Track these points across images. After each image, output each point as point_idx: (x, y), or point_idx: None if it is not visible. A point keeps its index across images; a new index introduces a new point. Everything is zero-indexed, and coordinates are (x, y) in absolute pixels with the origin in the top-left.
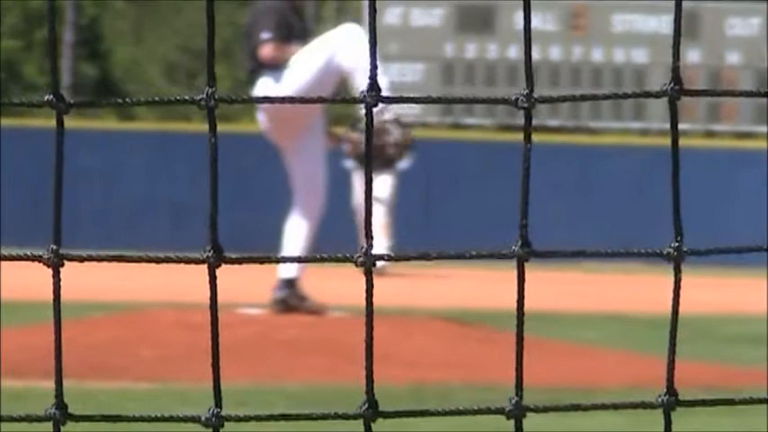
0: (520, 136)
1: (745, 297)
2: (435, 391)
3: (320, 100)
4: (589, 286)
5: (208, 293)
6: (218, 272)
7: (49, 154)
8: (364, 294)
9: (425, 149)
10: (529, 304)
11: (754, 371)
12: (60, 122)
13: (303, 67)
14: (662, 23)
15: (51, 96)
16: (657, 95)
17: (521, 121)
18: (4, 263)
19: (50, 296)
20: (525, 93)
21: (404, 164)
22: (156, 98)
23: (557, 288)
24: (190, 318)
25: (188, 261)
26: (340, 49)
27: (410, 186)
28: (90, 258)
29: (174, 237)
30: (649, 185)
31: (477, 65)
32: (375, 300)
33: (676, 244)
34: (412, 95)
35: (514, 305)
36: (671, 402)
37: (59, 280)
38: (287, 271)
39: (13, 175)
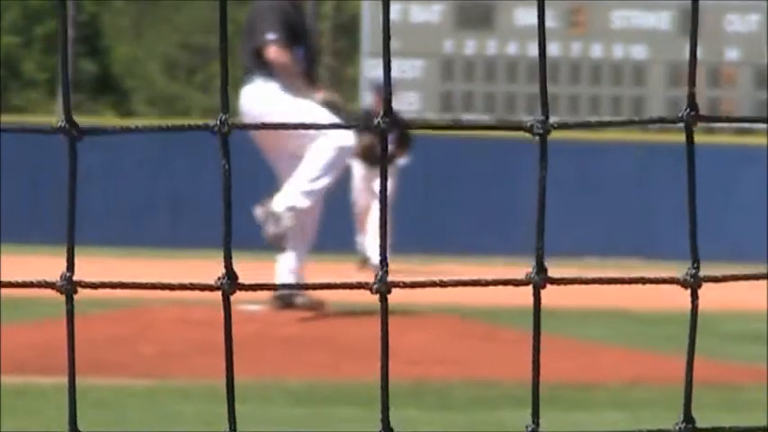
0: (519, 133)
1: (745, 294)
2: (436, 387)
3: (334, 126)
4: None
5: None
6: (218, 270)
7: (48, 152)
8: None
9: (424, 146)
10: (527, 300)
11: (755, 368)
12: (73, 150)
13: (291, 117)
14: (661, 20)
15: (64, 122)
16: (674, 121)
17: (520, 117)
18: (4, 261)
19: (50, 294)
20: (540, 119)
21: (403, 161)
22: (169, 124)
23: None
24: (189, 314)
25: (203, 288)
26: (320, 141)
27: (409, 183)
28: (104, 285)
29: (173, 233)
30: (648, 181)
31: (477, 61)
32: (373, 296)
33: (693, 270)
34: (412, 93)
35: (514, 302)
36: (688, 429)
37: (73, 307)
38: (286, 277)
39: (11, 172)
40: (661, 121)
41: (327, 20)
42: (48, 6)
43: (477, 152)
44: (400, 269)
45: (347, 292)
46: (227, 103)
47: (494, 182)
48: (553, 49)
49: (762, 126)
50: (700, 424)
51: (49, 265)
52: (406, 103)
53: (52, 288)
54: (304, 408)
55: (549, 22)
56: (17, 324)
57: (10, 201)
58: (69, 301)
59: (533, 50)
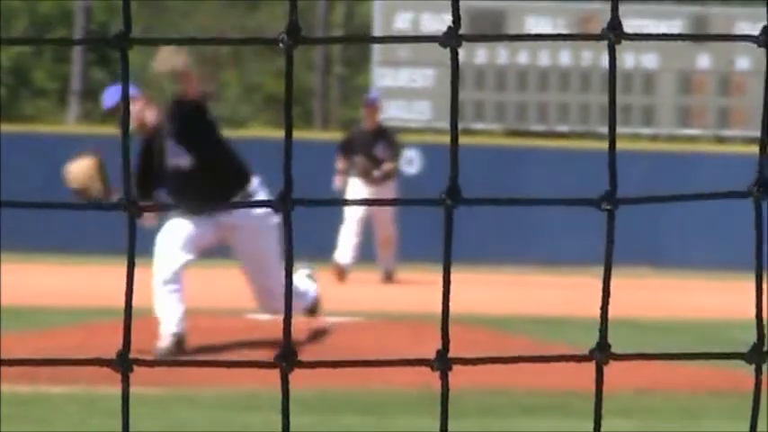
0: (529, 141)
1: (751, 302)
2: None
3: (398, 201)
4: (596, 291)
5: (211, 297)
6: (226, 278)
7: (55, 159)
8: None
9: (435, 154)
10: (537, 309)
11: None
12: (133, 227)
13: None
14: (672, 28)
15: (124, 198)
16: (743, 195)
17: (530, 126)
18: (4, 266)
19: (53, 301)
20: (608, 191)
21: (408, 168)
22: (229, 201)
23: (564, 293)
24: (197, 322)
25: (260, 365)
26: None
27: (418, 191)
28: (161, 363)
29: None
30: (656, 190)
31: (487, 70)
32: (384, 306)
33: (758, 345)
34: (423, 102)
35: (524, 310)
36: None
37: (128, 385)
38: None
39: (18, 179)
40: (730, 195)
41: (338, 28)
42: (57, 14)
43: (486, 160)
44: (410, 278)
45: (356, 300)
46: (291, 181)
47: (502, 190)
48: (564, 57)
49: None
50: (706, 427)
51: (53, 273)
52: (417, 113)
53: (108, 366)
54: (313, 415)
55: (560, 31)
56: (21, 332)
57: (16, 209)
58: (125, 379)
59: (544, 59)
